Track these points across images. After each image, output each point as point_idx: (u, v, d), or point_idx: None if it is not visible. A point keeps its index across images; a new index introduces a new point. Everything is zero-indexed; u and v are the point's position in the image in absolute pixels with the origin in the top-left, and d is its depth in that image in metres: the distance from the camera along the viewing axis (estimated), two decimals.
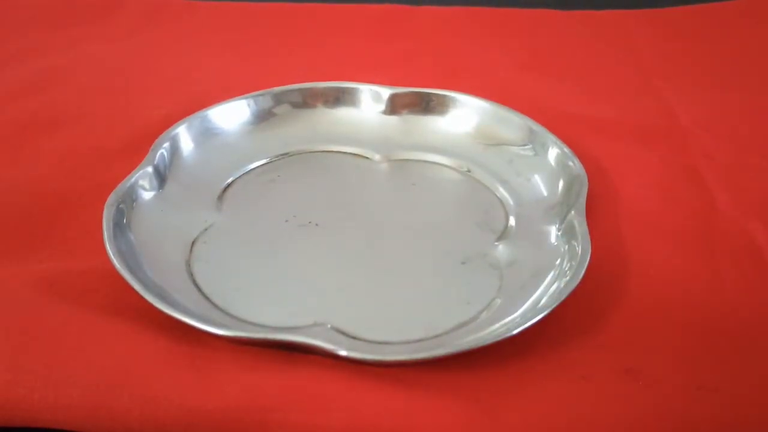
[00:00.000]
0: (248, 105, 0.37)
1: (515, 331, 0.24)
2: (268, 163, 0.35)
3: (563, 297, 0.25)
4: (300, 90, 0.38)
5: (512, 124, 0.36)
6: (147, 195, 0.31)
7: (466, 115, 0.37)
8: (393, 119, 0.37)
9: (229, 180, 0.34)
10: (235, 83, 0.41)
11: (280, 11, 0.53)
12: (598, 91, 0.43)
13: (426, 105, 0.37)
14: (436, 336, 0.26)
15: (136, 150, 0.34)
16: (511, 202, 0.33)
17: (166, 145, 0.33)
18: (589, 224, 0.29)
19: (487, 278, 0.29)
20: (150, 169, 0.32)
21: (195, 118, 0.35)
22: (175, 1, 0.54)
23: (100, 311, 0.26)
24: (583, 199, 0.30)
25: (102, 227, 0.28)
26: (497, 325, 0.26)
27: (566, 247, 0.29)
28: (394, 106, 0.37)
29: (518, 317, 0.26)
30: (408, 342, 0.26)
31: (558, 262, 0.28)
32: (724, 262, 0.30)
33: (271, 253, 0.30)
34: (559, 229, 0.30)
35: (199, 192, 0.33)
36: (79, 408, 0.23)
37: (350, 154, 0.36)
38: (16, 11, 0.53)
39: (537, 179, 0.34)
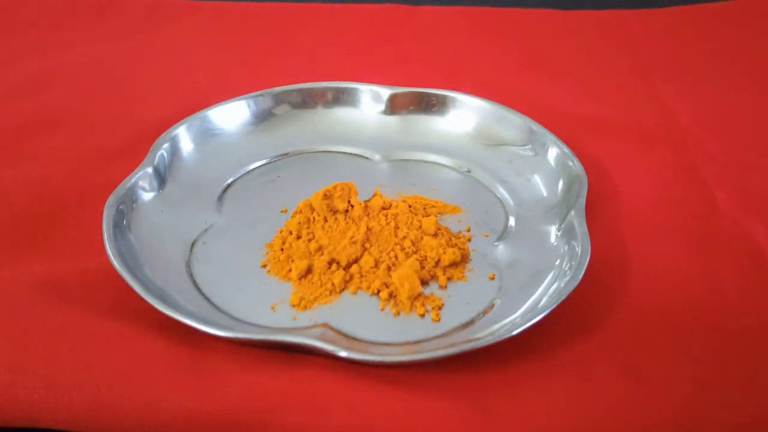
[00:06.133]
0: (248, 105, 0.37)
1: (515, 332, 0.24)
2: (268, 163, 0.35)
3: (563, 297, 0.25)
4: (300, 90, 0.38)
5: (512, 124, 0.36)
6: (147, 196, 0.31)
7: (466, 115, 0.37)
8: (393, 119, 0.37)
9: (229, 180, 0.34)
10: (235, 83, 0.41)
11: (280, 11, 0.53)
12: (598, 91, 0.43)
13: (426, 105, 0.37)
14: (436, 336, 0.26)
15: (136, 150, 0.34)
16: (511, 202, 0.33)
17: (166, 145, 0.33)
18: (589, 224, 0.29)
19: (487, 278, 0.29)
20: (150, 169, 0.32)
21: (195, 119, 0.35)
22: (175, 1, 0.54)
23: (100, 312, 0.26)
24: (583, 199, 0.30)
25: (102, 228, 0.28)
26: (497, 326, 0.26)
27: (566, 247, 0.29)
28: (394, 106, 0.37)
29: (518, 317, 0.26)
30: (407, 343, 0.26)
31: (558, 262, 0.28)
32: (724, 262, 0.30)
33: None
34: (558, 230, 0.30)
35: (199, 192, 0.33)
36: (79, 408, 0.23)
37: (350, 154, 0.36)
38: (16, 11, 0.53)
39: (537, 179, 0.34)
